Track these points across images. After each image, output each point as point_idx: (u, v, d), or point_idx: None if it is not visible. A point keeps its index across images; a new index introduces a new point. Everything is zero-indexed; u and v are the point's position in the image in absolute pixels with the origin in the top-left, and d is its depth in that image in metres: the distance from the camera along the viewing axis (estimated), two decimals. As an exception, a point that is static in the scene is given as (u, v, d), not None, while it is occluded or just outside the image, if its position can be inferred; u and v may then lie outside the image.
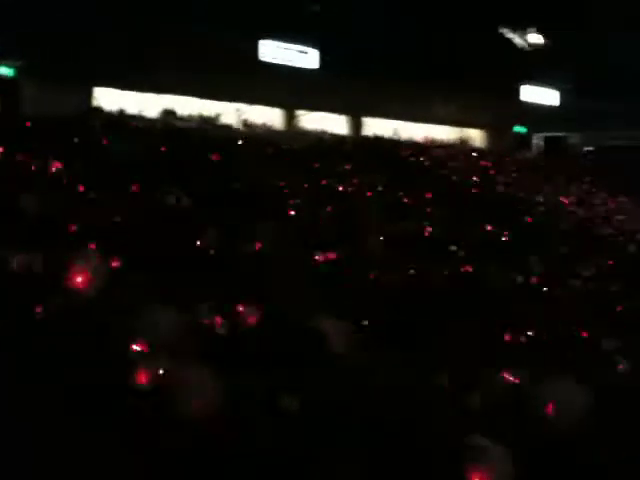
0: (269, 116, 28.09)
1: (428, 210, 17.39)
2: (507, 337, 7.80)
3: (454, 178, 23.97)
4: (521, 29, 36.45)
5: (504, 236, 16.49)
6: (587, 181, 29.26)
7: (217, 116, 26.22)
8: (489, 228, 16.86)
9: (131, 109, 23.40)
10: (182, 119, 24.61)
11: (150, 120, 22.92)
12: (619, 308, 11.46)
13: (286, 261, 8.95)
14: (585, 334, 8.46)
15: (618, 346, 8.10)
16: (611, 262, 15.96)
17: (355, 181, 18.95)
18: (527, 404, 3.57)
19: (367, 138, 29.14)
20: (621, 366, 7.28)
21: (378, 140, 28.46)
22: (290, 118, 28.78)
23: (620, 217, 23.79)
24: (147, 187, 11.88)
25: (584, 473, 3.03)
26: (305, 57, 28.19)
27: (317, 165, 19.74)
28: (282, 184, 15.98)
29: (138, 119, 22.23)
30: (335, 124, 29.78)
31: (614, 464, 2.98)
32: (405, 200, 18.06)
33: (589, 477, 3.02)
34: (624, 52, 36.28)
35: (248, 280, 7.18)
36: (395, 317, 7.44)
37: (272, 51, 27.34)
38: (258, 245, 9.39)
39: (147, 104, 24.20)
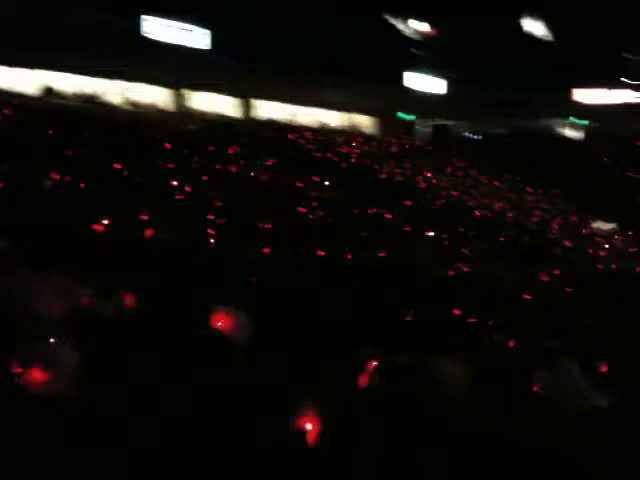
0: (157, 96, 27.21)
1: (314, 194, 17.52)
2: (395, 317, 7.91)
3: (341, 162, 24.30)
4: (409, 17, 37.30)
5: (389, 218, 16.85)
6: (466, 166, 30.22)
7: (99, 95, 24.95)
8: (374, 210, 17.22)
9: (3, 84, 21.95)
10: (62, 97, 23.36)
11: (27, 97, 21.64)
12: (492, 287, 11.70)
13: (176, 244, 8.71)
14: (458, 312, 8.56)
15: (501, 326, 8.27)
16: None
17: (243, 163, 18.81)
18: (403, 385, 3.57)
19: (257, 120, 28.95)
20: (503, 344, 7.43)
21: (269, 123, 28.32)
22: (178, 98, 28.02)
23: (495, 200, 24.74)
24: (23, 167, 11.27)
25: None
26: (192, 36, 27.52)
27: (209, 148, 19.40)
28: (171, 166, 15.61)
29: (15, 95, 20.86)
30: (225, 105, 29.33)
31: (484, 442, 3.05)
32: (297, 184, 18.15)
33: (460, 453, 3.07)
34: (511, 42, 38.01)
35: (131, 264, 6.90)
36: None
37: (156, 28, 26.42)
38: (149, 231, 9.03)
39: (22, 80, 22.83)
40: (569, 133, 39.65)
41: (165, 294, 5.48)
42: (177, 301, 5.21)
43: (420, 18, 37.54)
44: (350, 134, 31.61)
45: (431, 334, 6.27)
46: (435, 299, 8.98)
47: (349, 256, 11.25)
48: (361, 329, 5.77)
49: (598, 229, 24.54)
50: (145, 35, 25.93)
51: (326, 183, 19.16)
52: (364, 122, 34.90)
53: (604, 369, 6.53)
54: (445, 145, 34.73)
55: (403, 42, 37.16)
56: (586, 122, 39.13)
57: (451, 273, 12.10)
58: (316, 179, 19.31)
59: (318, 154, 24.55)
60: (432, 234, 16.19)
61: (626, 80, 40.21)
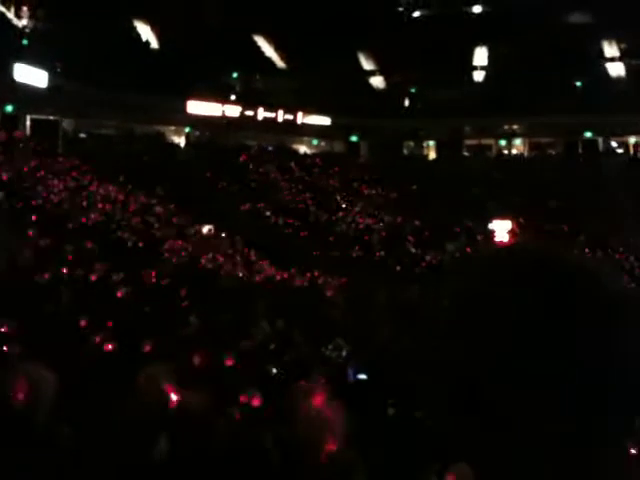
0: None
1: None
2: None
3: None
4: (17, 7, 35.20)
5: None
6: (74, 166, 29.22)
7: None
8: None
9: None
10: None
11: None
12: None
13: None
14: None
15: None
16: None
17: None
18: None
19: None
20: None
21: None
22: None
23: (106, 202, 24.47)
24: None
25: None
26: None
27: None
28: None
29: None
30: None
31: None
32: None
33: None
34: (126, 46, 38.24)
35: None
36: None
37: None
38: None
39: None
40: (177, 140, 41.72)
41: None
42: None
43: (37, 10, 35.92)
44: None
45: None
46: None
47: None
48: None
49: (201, 232, 26.39)
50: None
51: None
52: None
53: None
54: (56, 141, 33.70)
55: (12, 32, 35.11)
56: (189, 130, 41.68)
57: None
58: None
59: None
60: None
61: (232, 96, 43.94)
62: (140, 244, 19.85)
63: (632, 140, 44.46)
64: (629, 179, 36.88)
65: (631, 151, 44.38)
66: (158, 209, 26.72)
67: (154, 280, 14.73)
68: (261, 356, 8.57)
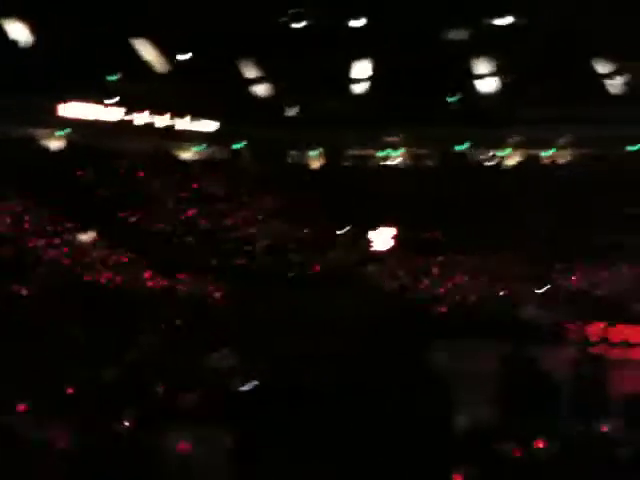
0: None
1: None
2: None
3: None
4: None
5: None
6: None
7: None
8: None
9: None
10: None
11: None
12: None
13: None
14: None
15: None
16: None
17: None
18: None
19: None
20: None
21: None
22: None
23: None
24: None
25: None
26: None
27: None
28: None
29: None
30: None
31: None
32: None
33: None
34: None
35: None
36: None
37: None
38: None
39: None
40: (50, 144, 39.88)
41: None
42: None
43: None
44: None
45: None
46: None
47: None
48: None
49: (79, 239, 25.36)
50: None
51: None
52: None
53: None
54: None
55: None
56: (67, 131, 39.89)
57: None
58: None
59: None
60: None
61: (111, 99, 42.51)
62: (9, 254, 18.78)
63: (502, 153, 46.85)
64: (499, 189, 38.87)
65: (504, 162, 46.72)
66: (30, 216, 25.44)
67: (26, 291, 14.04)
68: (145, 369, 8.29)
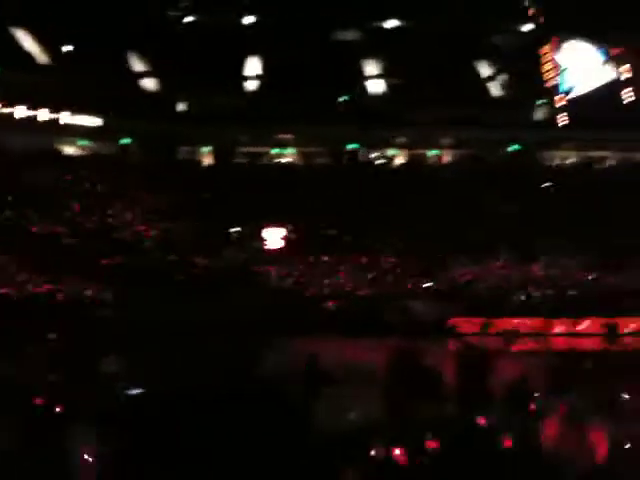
0: None
1: None
2: None
3: None
4: None
5: None
6: None
7: None
8: None
9: None
10: None
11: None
12: None
13: None
14: None
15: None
16: None
17: None
18: None
19: None
20: None
21: None
22: None
23: None
24: None
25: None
26: None
27: None
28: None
29: None
30: None
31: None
32: None
33: None
34: None
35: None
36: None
37: None
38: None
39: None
40: None
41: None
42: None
43: None
44: None
45: None
46: None
47: None
48: None
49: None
50: None
51: None
52: None
53: None
54: None
55: None
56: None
57: None
58: None
59: None
60: None
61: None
62: None
63: (390, 152, 48.05)
64: (389, 188, 39.84)
65: (393, 162, 47.91)
66: None
67: None
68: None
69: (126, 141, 45.49)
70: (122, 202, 37.19)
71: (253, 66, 48.71)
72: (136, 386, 7.87)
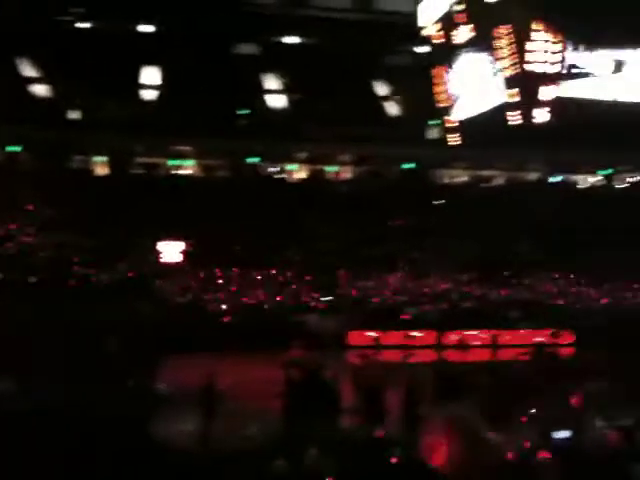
0: None
1: None
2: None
3: None
4: None
5: None
6: None
7: None
8: None
9: None
10: None
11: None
12: None
13: None
14: None
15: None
16: None
17: None
18: None
19: None
20: None
21: None
22: None
23: None
24: None
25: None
26: None
27: None
28: None
29: None
30: None
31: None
32: None
33: None
34: None
35: None
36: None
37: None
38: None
39: None
40: None
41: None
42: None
43: None
44: None
45: None
46: None
47: None
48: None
49: None
50: None
51: None
52: None
53: None
54: None
55: None
56: None
57: None
58: None
59: None
60: None
61: None
62: None
63: (290, 167, 48.44)
64: (288, 202, 40.05)
65: (293, 176, 48.26)
66: None
67: None
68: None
69: (15, 148, 43.55)
70: (9, 212, 35.52)
71: (152, 75, 47.93)
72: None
